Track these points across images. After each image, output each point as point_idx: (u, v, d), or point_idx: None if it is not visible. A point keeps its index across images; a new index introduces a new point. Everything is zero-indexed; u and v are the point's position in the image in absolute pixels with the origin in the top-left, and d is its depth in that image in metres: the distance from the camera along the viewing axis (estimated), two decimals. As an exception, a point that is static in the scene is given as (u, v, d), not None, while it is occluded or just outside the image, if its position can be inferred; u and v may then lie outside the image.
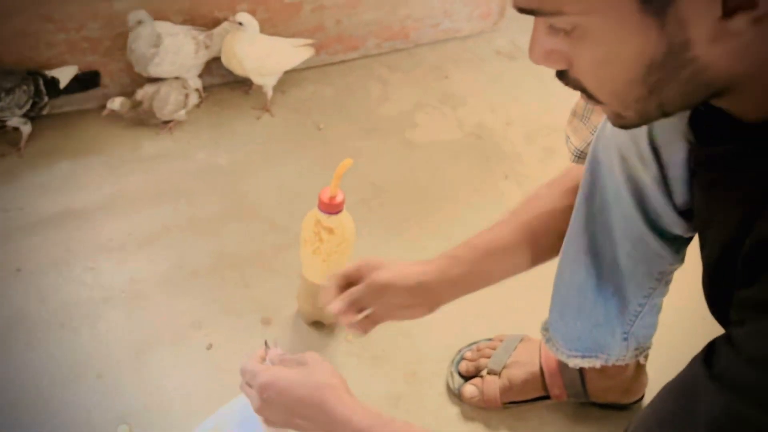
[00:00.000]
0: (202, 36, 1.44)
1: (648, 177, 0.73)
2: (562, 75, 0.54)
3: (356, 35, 1.68)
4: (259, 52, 1.43)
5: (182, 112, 1.44)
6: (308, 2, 1.57)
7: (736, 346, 0.46)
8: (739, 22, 0.43)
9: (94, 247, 1.20)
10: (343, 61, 1.70)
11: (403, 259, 1.24)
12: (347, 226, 1.02)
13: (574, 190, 0.82)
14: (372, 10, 1.66)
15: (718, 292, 0.58)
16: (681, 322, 1.08)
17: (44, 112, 1.36)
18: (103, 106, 1.38)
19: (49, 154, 1.36)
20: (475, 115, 1.60)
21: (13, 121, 1.31)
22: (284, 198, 1.34)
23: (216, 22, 1.48)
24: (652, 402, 0.55)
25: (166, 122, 1.44)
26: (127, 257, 1.20)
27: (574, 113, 1.21)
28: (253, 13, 1.45)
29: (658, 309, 0.90)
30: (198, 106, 1.50)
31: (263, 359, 0.77)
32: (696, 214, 0.67)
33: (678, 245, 0.80)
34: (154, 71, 1.40)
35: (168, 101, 1.40)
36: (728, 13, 0.43)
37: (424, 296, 0.80)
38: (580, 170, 0.81)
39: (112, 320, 1.10)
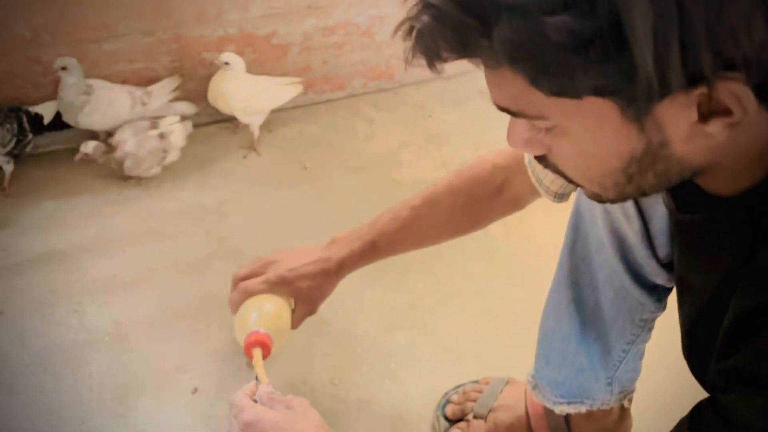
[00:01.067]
0: (139, 92, 1.42)
1: (631, 231, 0.75)
2: (540, 158, 0.55)
3: (342, 75, 1.71)
4: (246, 92, 1.45)
5: (156, 170, 1.41)
6: (295, 44, 1.59)
7: (723, 414, 0.47)
8: (715, 126, 0.45)
9: (79, 288, 1.20)
10: (329, 100, 1.72)
11: (390, 300, 1.25)
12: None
13: (468, 174, 0.89)
14: (358, 50, 1.69)
15: (697, 355, 0.60)
16: (663, 362, 1.09)
17: (28, 149, 1.36)
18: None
19: (34, 194, 1.36)
20: (459, 153, 1.62)
21: None
22: (270, 238, 1.34)
23: (203, 64, 1.49)
24: None
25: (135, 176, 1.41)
26: (112, 299, 1.19)
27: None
28: (240, 53, 1.48)
29: (641, 354, 0.91)
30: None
31: (253, 394, 0.77)
32: (676, 274, 0.68)
33: (659, 294, 0.81)
34: (84, 122, 1.38)
35: (141, 163, 1.37)
36: (704, 118, 0.45)
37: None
38: (484, 162, 0.88)
39: (95, 364, 1.09)
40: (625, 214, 0.74)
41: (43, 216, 1.32)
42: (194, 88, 1.52)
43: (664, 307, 0.84)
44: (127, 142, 1.36)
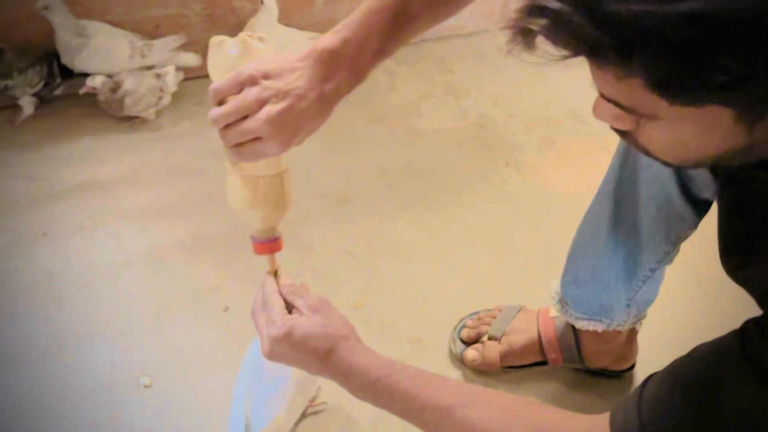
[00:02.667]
0: (140, 43, 1.45)
1: None
2: (623, 134, 0.53)
3: (365, 29, 1.75)
4: (278, 39, 1.51)
5: (152, 111, 1.45)
6: (321, -5, 1.64)
7: None
8: None
9: (116, 215, 1.27)
10: (352, 53, 1.77)
11: (410, 236, 1.29)
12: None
13: None
14: (381, 4, 1.73)
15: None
16: (669, 302, 1.15)
17: (58, 91, 1.42)
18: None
19: (71, 130, 1.43)
20: (477, 106, 1.67)
21: (24, 100, 1.37)
22: (296, 176, 1.38)
23: (234, 12, 1.55)
24: (683, 363, 0.56)
25: (131, 117, 1.45)
26: (148, 226, 1.26)
27: None
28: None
29: (661, 277, 0.97)
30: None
31: (272, 295, 0.74)
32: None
33: (700, 209, 0.84)
34: (80, 65, 1.40)
35: (141, 100, 1.42)
36: None
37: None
38: None
39: (133, 282, 1.16)
40: None
41: (81, 150, 1.39)
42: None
43: (696, 226, 0.87)
44: (126, 80, 1.40)
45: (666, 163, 0.54)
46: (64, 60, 1.41)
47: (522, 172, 1.50)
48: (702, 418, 0.52)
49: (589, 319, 0.98)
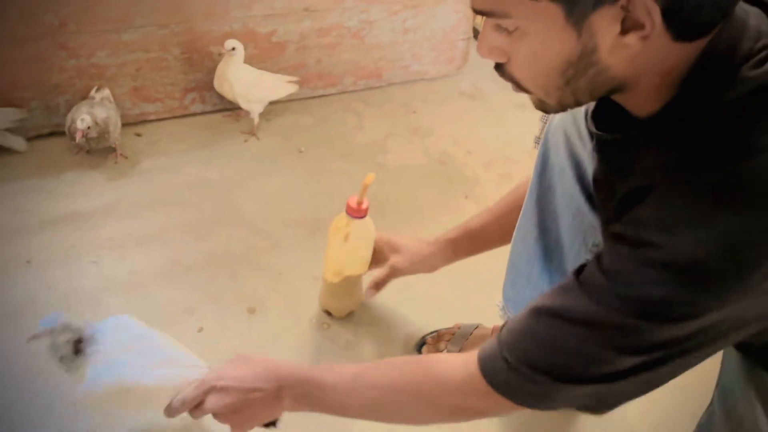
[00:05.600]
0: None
1: (585, 152, 0.89)
2: (499, 68, 0.67)
3: (335, 73, 1.88)
4: (249, 80, 1.62)
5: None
6: (293, 42, 1.76)
7: (598, 263, 0.63)
8: (631, 38, 0.58)
9: (97, 244, 1.34)
10: (322, 96, 1.89)
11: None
12: (370, 229, 1.17)
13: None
14: (349, 51, 1.86)
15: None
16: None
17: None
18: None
19: (55, 166, 1.51)
20: (439, 144, 1.79)
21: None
22: (268, 208, 1.50)
23: (210, 56, 1.66)
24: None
25: (113, 149, 1.53)
26: (127, 254, 1.33)
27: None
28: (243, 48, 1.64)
29: None
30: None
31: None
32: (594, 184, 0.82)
33: None
34: None
35: (116, 125, 1.49)
36: (624, 31, 0.58)
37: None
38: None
39: (113, 306, 1.23)
40: (580, 136, 0.89)
41: (65, 184, 1.46)
42: (201, 78, 1.68)
43: None
44: (95, 112, 1.45)
45: (540, 104, 0.68)
46: None
47: (480, 204, 1.61)
48: (548, 321, 0.65)
49: None
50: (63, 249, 1.32)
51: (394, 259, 1.16)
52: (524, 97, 0.69)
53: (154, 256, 1.34)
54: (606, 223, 0.70)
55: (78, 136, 1.42)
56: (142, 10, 1.54)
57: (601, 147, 0.73)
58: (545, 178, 0.96)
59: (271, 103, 1.72)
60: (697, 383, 1.16)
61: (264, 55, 1.74)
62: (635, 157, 0.66)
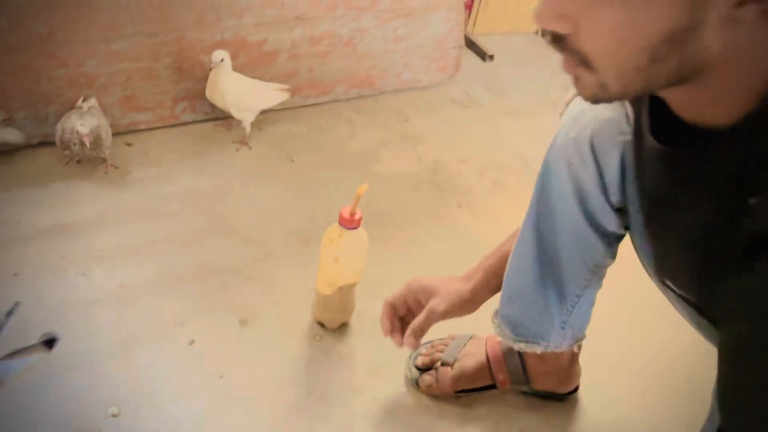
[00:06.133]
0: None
1: (588, 177, 0.88)
2: (557, 40, 0.55)
3: (327, 82, 1.87)
4: (240, 89, 1.61)
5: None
6: (284, 50, 1.76)
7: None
8: (749, 11, 0.48)
9: (87, 255, 1.32)
10: (314, 104, 1.88)
11: (369, 272, 1.37)
12: (363, 240, 1.17)
13: None
14: (341, 59, 1.86)
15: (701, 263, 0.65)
16: (607, 325, 1.25)
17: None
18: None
19: (44, 176, 1.49)
20: (432, 152, 1.79)
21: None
22: (260, 218, 1.49)
23: (201, 65, 1.65)
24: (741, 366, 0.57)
25: (103, 159, 1.52)
26: (117, 265, 1.32)
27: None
28: (234, 57, 1.63)
29: (592, 302, 1.05)
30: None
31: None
32: (650, 203, 0.76)
33: (610, 240, 0.95)
34: None
35: (108, 133, 1.49)
36: (742, 1, 0.48)
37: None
38: None
39: (103, 319, 1.21)
40: (583, 161, 0.88)
41: (53, 194, 1.44)
42: (191, 87, 1.67)
43: (614, 257, 0.98)
44: (84, 121, 1.43)
45: (599, 89, 0.55)
46: None
47: (473, 212, 1.60)
48: None
49: (527, 342, 1.05)
50: (51, 261, 1.30)
51: (433, 303, 1.06)
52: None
53: (144, 268, 1.32)
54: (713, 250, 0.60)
55: (86, 141, 1.41)
56: (131, 20, 1.52)
57: (670, 160, 0.66)
58: (543, 202, 0.95)
59: (263, 112, 1.71)
60: (694, 390, 1.15)
61: (255, 63, 1.73)
62: (719, 168, 0.58)
